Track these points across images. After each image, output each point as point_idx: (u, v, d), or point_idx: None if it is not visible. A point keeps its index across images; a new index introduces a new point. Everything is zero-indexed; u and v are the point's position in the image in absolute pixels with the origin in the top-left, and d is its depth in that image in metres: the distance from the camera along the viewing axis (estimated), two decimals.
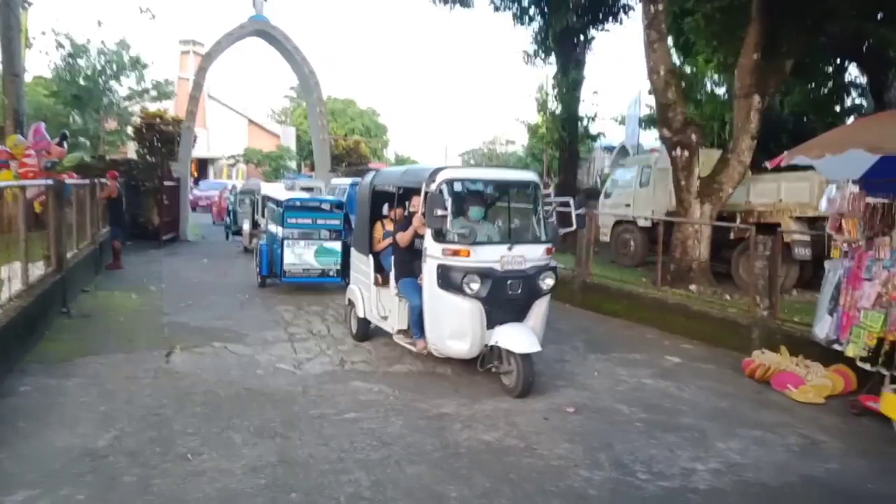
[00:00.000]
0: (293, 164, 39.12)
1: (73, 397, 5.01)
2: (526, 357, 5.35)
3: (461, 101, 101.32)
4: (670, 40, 12.92)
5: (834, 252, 6.00)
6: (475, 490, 3.77)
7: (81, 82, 25.88)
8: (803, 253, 9.85)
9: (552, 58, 18.59)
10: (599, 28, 18.00)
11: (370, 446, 4.34)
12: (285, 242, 9.60)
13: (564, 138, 18.46)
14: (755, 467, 4.28)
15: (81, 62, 26.03)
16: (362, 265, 7.09)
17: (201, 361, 6.23)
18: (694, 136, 10.30)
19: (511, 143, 44.54)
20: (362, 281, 7.09)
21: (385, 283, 6.65)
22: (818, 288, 6.42)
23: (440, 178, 5.62)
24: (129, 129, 24.02)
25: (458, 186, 5.84)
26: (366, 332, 7.13)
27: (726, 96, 16.10)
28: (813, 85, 16.01)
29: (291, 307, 8.92)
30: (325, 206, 10.11)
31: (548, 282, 5.69)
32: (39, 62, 60.63)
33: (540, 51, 18.69)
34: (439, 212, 5.17)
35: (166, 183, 16.67)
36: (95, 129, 26.10)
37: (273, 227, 10.46)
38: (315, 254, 9.73)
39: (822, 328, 5.91)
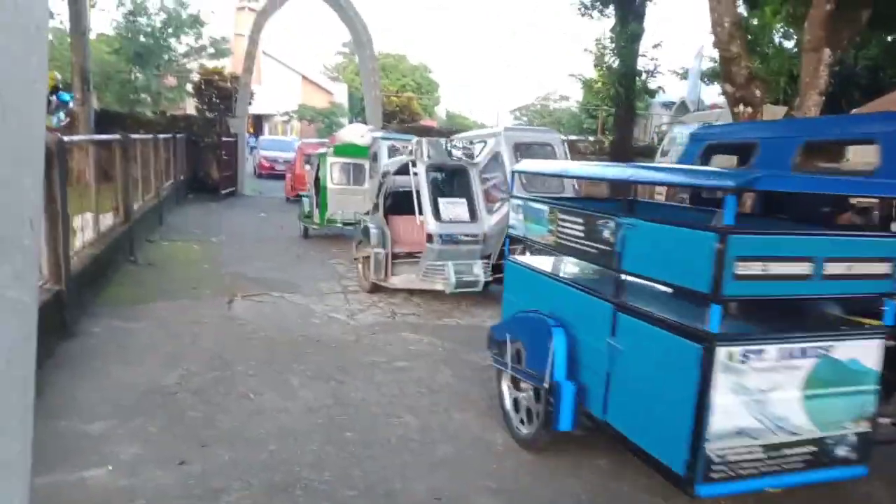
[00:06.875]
0: (345, 122, 39.36)
1: (141, 339, 5.34)
2: None
3: (513, 56, 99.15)
4: None
5: None
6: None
7: (142, 39, 26.50)
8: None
9: (610, 9, 17.99)
10: None
11: (419, 393, 4.50)
12: (719, 360, 2.57)
13: (621, 94, 17.96)
14: None
15: (142, 20, 26.62)
16: None
17: (261, 309, 6.51)
18: (758, 92, 9.88)
19: (564, 99, 43.55)
20: None
21: None
22: None
23: None
24: (189, 86, 24.54)
25: None
26: None
27: (795, 49, 15.30)
28: (892, 37, 15.01)
29: (345, 261, 9.13)
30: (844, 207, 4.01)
31: None
32: (102, 20, 62.21)
33: (597, 2, 18.10)
34: None
35: (224, 139, 17.11)
36: (156, 86, 26.78)
37: (601, 293, 3.35)
38: (807, 394, 2.74)
39: None
